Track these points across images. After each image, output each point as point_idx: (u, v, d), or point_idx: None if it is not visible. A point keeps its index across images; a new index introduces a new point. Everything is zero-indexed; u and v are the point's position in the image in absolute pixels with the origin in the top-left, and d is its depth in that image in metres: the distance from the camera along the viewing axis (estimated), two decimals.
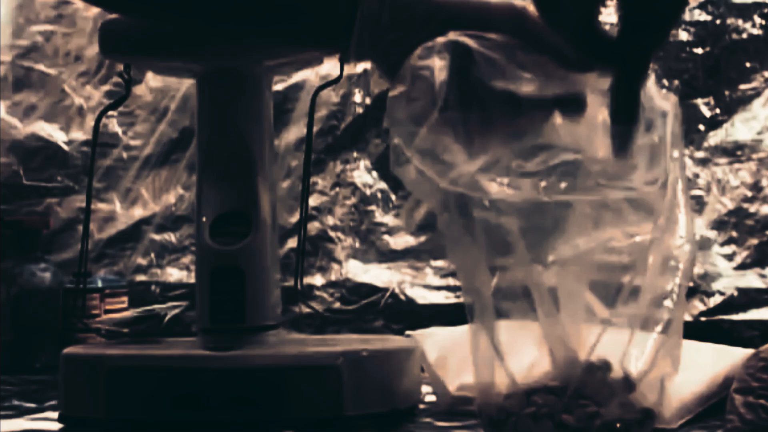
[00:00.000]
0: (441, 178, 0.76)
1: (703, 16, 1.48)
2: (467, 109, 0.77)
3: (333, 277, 1.52)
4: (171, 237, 1.60)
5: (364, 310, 1.49)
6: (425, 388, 1.07)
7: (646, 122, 0.77)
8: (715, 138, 1.45)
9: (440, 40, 0.78)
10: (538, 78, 0.78)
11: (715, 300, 1.38)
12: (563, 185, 0.76)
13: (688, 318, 1.35)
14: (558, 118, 0.77)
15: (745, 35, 1.46)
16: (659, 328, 0.75)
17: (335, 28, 0.82)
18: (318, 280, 1.52)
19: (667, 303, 0.75)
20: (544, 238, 0.77)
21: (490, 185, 0.75)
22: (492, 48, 0.77)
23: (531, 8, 0.79)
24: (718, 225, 1.42)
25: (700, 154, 1.45)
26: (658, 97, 0.78)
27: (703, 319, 1.37)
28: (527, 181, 0.76)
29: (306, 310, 1.50)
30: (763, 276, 1.38)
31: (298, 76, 1.55)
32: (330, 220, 1.55)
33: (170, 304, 1.49)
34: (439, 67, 0.77)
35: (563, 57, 0.78)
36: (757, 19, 1.46)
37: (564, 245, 0.76)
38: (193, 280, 1.20)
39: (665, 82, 1.47)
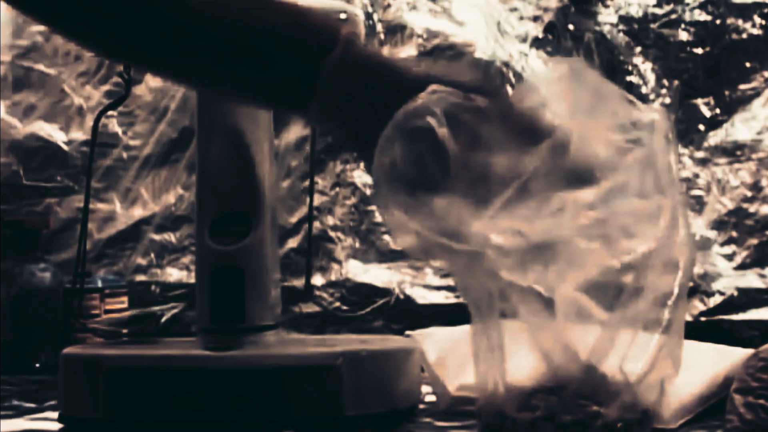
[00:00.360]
0: (452, 242, 0.74)
1: (703, 16, 1.47)
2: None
3: (333, 277, 1.52)
4: (171, 237, 1.60)
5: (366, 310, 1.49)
6: (425, 388, 1.07)
7: (634, 137, 0.77)
8: (715, 138, 1.45)
9: (432, 99, 0.75)
10: (512, 149, 0.76)
11: (715, 300, 1.38)
12: (566, 219, 0.75)
13: (688, 318, 1.35)
14: None
15: (745, 35, 1.46)
16: (660, 328, 0.75)
17: (295, 91, 0.79)
18: (318, 280, 1.52)
19: (669, 303, 0.75)
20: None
21: (503, 239, 0.74)
22: (470, 113, 0.76)
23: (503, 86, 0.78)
24: (718, 225, 1.42)
25: (699, 154, 1.45)
26: (644, 109, 0.78)
27: (703, 319, 1.37)
28: (537, 226, 0.74)
29: (307, 309, 1.50)
30: (763, 276, 1.38)
31: None
32: (330, 220, 1.55)
33: (171, 305, 1.49)
34: (438, 125, 0.75)
35: (533, 129, 0.77)
36: (757, 19, 1.46)
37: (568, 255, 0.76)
38: (193, 280, 1.20)
39: (665, 82, 1.47)
